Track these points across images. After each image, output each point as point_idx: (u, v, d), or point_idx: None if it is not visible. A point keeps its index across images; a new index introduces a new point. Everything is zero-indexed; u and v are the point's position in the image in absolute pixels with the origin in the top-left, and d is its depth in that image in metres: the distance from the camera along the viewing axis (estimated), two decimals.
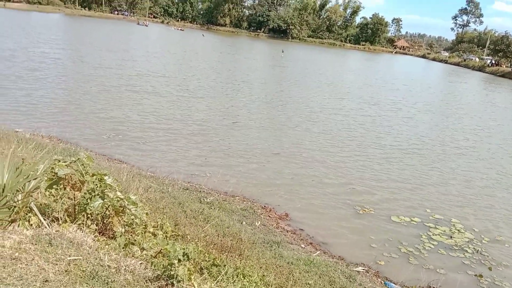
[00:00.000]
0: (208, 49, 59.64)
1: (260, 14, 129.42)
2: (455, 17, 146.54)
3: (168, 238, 5.98)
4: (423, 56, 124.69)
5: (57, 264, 3.70)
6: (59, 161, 4.87)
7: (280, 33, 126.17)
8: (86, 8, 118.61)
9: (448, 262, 9.24)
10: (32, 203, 4.49)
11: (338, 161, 15.30)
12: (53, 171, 4.73)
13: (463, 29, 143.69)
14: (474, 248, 10.00)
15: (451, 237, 10.42)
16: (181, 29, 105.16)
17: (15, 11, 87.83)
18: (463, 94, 46.24)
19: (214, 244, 6.73)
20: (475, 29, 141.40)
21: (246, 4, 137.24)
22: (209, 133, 16.78)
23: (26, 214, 4.42)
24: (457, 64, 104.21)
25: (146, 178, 9.55)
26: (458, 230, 10.86)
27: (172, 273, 3.94)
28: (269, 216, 10.07)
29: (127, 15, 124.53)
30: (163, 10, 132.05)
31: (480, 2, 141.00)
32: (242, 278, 5.17)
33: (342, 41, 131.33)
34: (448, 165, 16.84)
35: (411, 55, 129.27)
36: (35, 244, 3.95)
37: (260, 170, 13.39)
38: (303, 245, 8.89)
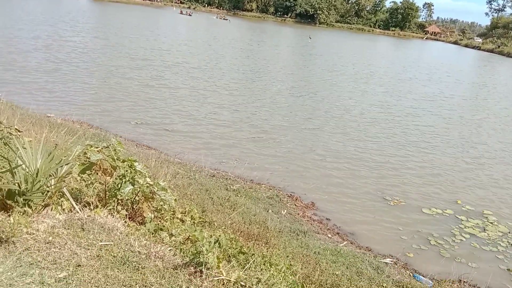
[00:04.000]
0: (237, 36, 59.31)
1: None
2: (490, 1, 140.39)
3: (195, 225, 6.01)
4: (455, 43, 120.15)
5: (89, 249, 3.76)
6: (91, 146, 4.92)
7: (307, 18, 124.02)
8: None
9: (481, 256, 8.98)
10: (64, 188, 4.56)
11: (369, 153, 14.96)
12: (86, 156, 4.79)
13: (498, 14, 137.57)
14: (508, 242, 9.67)
15: (484, 229, 10.11)
16: (225, 19, 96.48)
17: None
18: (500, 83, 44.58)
19: (241, 231, 6.73)
20: (511, 14, 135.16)
21: None
22: (236, 122, 16.72)
23: (59, 199, 4.50)
24: (491, 51, 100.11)
25: (174, 165, 9.62)
26: (491, 223, 10.53)
27: (201, 260, 3.93)
28: (295, 205, 10.01)
29: (154, 1, 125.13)
30: None
31: None
32: (269, 267, 5.13)
33: (371, 27, 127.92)
34: (483, 158, 16.25)
35: (443, 41, 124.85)
36: (68, 228, 4.02)
37: (287, 159, 13.29)
38: (329, 235, 8.80)
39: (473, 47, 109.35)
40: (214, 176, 10.48)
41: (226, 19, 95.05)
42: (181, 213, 5.96)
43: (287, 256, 6.40)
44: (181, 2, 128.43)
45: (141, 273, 3.60)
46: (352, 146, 15.37)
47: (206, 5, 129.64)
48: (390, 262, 8.12)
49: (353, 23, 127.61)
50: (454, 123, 21.56)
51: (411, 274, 7.81)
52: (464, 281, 7.87)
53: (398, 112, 22.28)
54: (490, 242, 9.57)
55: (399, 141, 16.79)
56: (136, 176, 4.85)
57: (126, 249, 3.91)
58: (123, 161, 4.92)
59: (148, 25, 54.83)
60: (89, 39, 33.38)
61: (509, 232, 10.16)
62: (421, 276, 7.70)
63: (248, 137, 14.91)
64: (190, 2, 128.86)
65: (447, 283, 7.55)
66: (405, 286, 6.67)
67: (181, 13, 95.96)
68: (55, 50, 25.93)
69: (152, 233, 4.63)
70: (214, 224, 6.58)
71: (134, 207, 5.10)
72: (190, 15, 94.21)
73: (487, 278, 8.02)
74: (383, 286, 6.43)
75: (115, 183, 4.79)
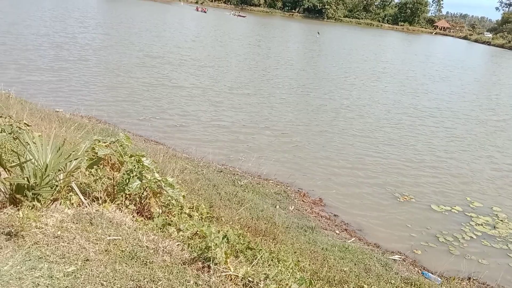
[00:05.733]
0: (246, 32, 59.13)
1: None
2: None
3: (203, 220, 6.01)
4: (465, 38, 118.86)
5: (97, 244, 3.77)
6: (99, 141, 4.93)
7: (315, 13, 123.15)
8: None
9: (491, 253, 8.88)
10: (73, 182, 4.58)
11: (379, 150, 14.84)
12: (94, 151, 4.79)
13: (509, 8, 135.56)
14: None
15: (494, 227, 10.00)
16: (243, 16, 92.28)
17: None
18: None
19: (248, 227, 6.72)
20: None
21: None
22: (245, 119, 16.64)
23: (68, 193, 4.52)
24: (501, 46, 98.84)
25: (181, 160, 9.64)
26: (502, 220, 10.41)
27: (209, 255, 3.92)
28: (303, 200, 9.97)
29: None
30: None
31: None
32: (277, 263, 5.12)
33: (379, 21, 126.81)
34: (492, 157, 16.01)
35: (452, 36, 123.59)
36: (76, 223, 4.03)
37: (295, 155, 13.23)
38: (337, 231, 8.76)
39: (483, 42, 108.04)
40: (221, 171, 10.48)
41: (244, 16, 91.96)
42: (189, 208, 5.97)
43: (295, 252, 6.38)
44: None
45: (149, 268, 3.61)
46: (361, 143, 15.27)
47: (214, 0, 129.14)
48: (399, 259, 8.06)
49: (362, 18, 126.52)
50: (465, 121, 21.31)
51: (419, 271, 7.75)
52: (474, 279, 7.80)
53: (408, 110, 22.11)
54: (501, 240, 9.46)
55: (408, 139, 16.62)
56: (144, 171, 4.85)
57: (134, 244, 3.92)
58: (131, 156, 4.92)
59: (158, 21, 54.67)
60: (97, 36, 33.43)
61: None
62: (429, 273, 7.64)
63: (257, 133, 14.88)
64: None
65: (457, 281, 7.48)
66: (413, 283, 6.62)
67: (197, 9, 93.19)
68: (63, 47, 25.98)
69: (160, 228, 4.63)
70: (221, 219, 6.58)
71: (142, 202, 5.11)
72: (205, 11, 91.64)
73: (498, 276, 7.95)
74: (391, 283, 6.39)
75: (123, 178, 4.79)
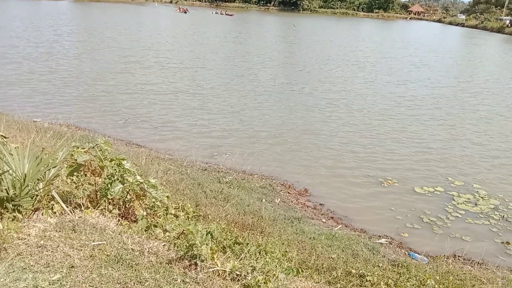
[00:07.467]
0: (224, 29, 58.80)
1: None
2: None
3: (190, 219, 6.03)
4: (439, 21, 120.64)
5: (81, 250, 3.76)
6: (78, 147, 4.90)
7: (291, 5, 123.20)
8: None
9: (474, 230, 9.11)
10: (53, 191, 4.55)
11: (359, 137, 15.01)
12: (73, 158, 4.76)
13: None
14: (500, 215, 9.82)
15: (476, 204, 10.25)
16: (230, 15, 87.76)
17: (24, 0, 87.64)
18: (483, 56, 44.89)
19: (235, 222, 6.77)
20: None
21: None
22: (226, 116, 16.64)
23: (49, 202, 4.49)
24: (475, 27, 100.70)
25: (164, 161, 9.61)
26: (482, 197, 10.67)
27: (195, 253, 3.96)
28: (288, 192, 10.06)
29: None
30: None
31: None
32: (265, 255, 5.18)
33: (354, 10, 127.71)
34: (466, 131, 16.44)
35: (427, 20, 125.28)
36: (59, 231, 4.01)
37: (279, 149, 13.29)
38: (324, 220, 8.88)
39: (457, 24, 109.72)
40: (206, 169, 10.49)
41: (232, 15, 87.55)
42: (174, 208, 5.98)
43: (283, 244, 6.46)
44: None
45: (135, 269, 3.62)
46: (343, 132, 15.42)
47: None
48: (385, 242, 8.22)
49: (337, 8, 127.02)
50: (444, 104, 21.65)
51: (406, 252, 7.91)
52: (459, 256, 7.99)
53: (387, 97, 22.40)
54: (483, 216, 9.71)
55: (389, 125, 16.82)
56: (125, 175, 4.84)
57: (119, 247, 3.92)
58: (111, 160, 4.90)
59: (134, 24, 53.79)
60: (72, 43, 32.82)
61: (500, 205, 10.32)
62: (416, 254, 7.81)
63: (238, 129, 14.90)
64: None
65: (442, 259, 7.66)
66: (400, 265, 6.75)
67: (180, 10, 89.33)
68: (39, 58, 25.41)
69: (145, 230, 4.64)
70: (208, 217, 6.61)
71: (127, 205, 5.10)
72: (186, 12, 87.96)
73: (481, 251, 8.16)
74: (379, 266, 6.51)
75: (104, 183, 4.78)
